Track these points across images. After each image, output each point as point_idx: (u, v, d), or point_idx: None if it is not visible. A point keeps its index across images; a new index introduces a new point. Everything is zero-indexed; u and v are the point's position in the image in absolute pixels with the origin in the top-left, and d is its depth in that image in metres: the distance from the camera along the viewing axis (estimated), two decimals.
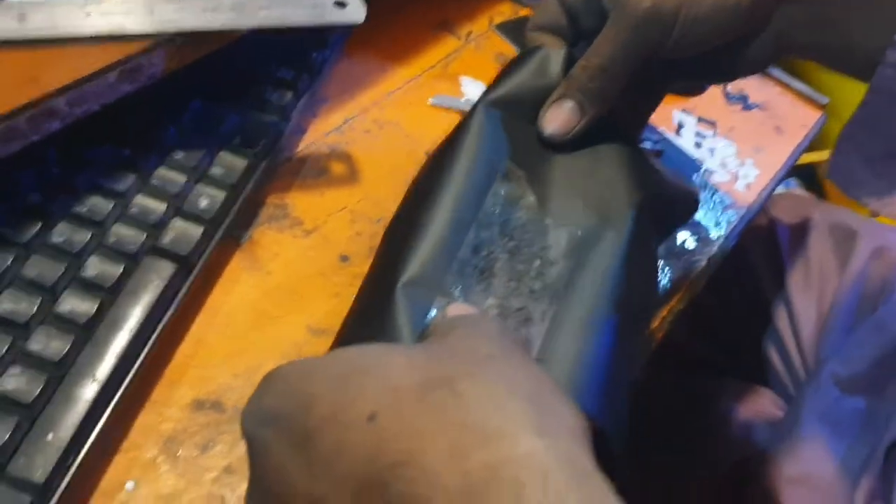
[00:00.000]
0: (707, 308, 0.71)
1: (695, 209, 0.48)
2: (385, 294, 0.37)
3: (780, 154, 0.64)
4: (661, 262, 0.53)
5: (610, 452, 0.35)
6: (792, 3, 0.39)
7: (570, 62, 0.45)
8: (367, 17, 0.46)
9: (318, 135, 0.54)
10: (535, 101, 0.45)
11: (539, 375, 0.28)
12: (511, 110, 0.44)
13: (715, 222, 0.57)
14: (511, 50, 0.63)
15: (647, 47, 0.40)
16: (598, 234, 0.41)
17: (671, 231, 0.50)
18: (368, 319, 0.38)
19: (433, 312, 0.37)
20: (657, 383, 0.70)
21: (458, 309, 0.35)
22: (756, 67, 0.45)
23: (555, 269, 0.40)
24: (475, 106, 0.45)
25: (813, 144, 0.69)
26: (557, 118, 0.43)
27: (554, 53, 0.45)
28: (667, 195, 0.46)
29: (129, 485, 0.38)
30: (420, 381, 0.26)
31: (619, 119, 0.45)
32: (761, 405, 0.67)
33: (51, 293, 0.40)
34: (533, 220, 0.42)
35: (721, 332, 0.73)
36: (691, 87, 0.53)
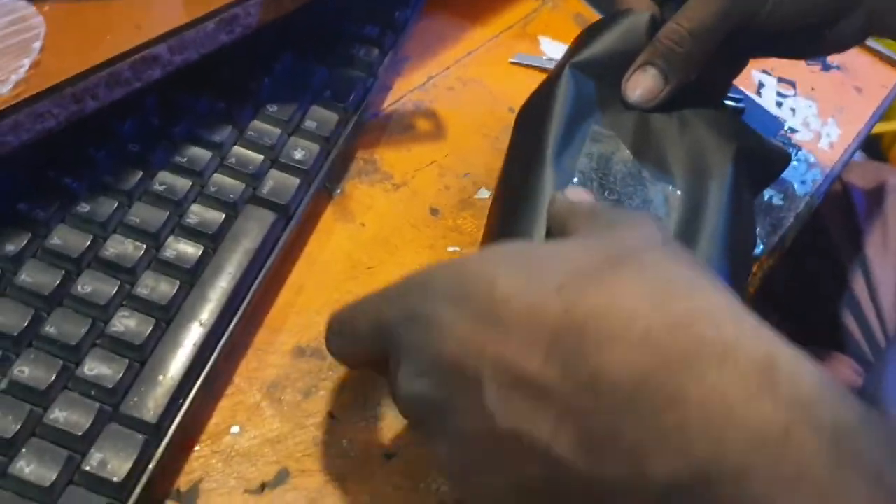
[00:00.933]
0: (780, 276, 0.70)
1: (787, 164, 0.47)
2: None
3: (861, 113, 0.62)
4: None
5: None
6: None
7: (655, 27, 0.44)
8: None
9: (403, 92, 0.53)
10: (621, 65, 0.44)
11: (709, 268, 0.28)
12: (597, 73, 0.44)
13: (800, 180, 0.56)
14: (588, 11, 0.63)
15: (741, 16, 0.40)
16: (700, 188, 0.41)
17: (765, 186, 0.49)
18: None
19: None
20: None
21: (576, 191, 0.36)
22: (842, 47, 0.43)
23: None
24: (561, 67, 0.44)
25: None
26: (641, 85, 0.43)
27: (640, 17, 0.45)
28: (759, 149, 0.45)
29: (235, 429, 0.38)
30: (603, 258, 0.26)
31: (703, 82, 0.45)
32: (840, 371, 0.66)
33: (155, 239, 0.40)
34: (631, 173, 0.41)
35: (795, 300, 0.72)
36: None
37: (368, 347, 0.31)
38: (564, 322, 0.24)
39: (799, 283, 0.71)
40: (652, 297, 0.24)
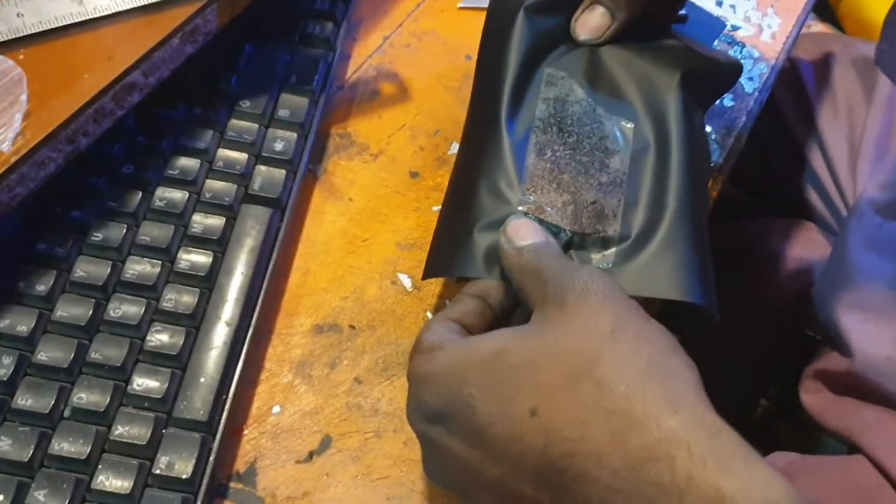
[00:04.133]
0: (744, 159, 0.74)
1: (739, 74, 0.50)
2: (463, 238, 0.40)
3: None
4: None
5: (713, 318, 0.39)
6: None
7: None
8: None
9: (363, 58, 0.56)
10: (568, 5, 0.46)
11: (655, 337, 0.32)
12: (547, 14, 0.46)
13: (747, 77, 0.59)
14: None
15: None
16: (654, 117, 0.44)
17: (721, 95, 0.52)
18: (450, 258, 0.41)
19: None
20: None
21: (519, 228, 0.38)
22: None
23: (616, 159, 0.43)
24: (506, 9, 0.46)
25: None
26: (589, 23, 0.45)
27: None
28: (708, 68, 0.48)
29: (276, 409, 0.43)
30: (564, 373, 0.31)
31: (648, 14, 0.47)
32: (810, 238, 0.70)
33: (167, 254, 0.43)
34: (586, 112, 0.44)
35: (761, 181, 0.76)
36: None
37: None
38: (545, 460, 0.30)
39: (765, 165, 0.75)
40: (611, 431, 0.29)
